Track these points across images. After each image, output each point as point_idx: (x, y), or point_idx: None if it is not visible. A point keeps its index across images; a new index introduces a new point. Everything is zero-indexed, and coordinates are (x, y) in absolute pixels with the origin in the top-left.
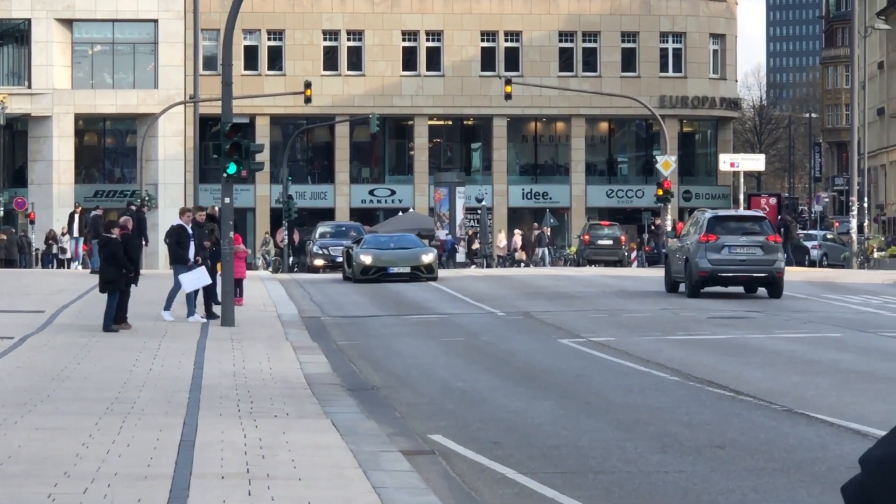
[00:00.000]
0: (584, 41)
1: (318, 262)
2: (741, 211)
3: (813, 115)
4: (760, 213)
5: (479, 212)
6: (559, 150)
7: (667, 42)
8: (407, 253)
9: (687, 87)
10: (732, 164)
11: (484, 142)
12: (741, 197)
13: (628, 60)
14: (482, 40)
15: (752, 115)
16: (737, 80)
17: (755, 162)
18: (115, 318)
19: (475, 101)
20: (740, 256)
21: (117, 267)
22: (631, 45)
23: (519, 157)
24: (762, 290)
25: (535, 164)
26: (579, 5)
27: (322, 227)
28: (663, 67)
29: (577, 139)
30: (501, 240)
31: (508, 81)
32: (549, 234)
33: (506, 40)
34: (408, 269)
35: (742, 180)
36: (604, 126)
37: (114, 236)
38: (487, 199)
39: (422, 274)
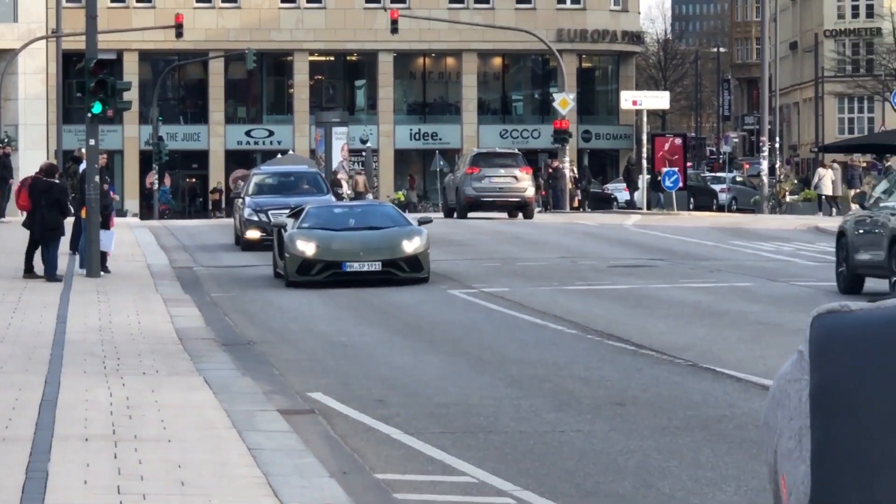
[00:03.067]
0: None
1: (252, 233)
2: (499, 149)
3: (721, 49)
4: (515, 151)
5: (363, 154)
6: (449, 87)
7: None
8: (376, 237)
9: (586, 19)
10: (635, 103)
11: (369, 79)
12: (644, 137)
13: None
14: None
15: (656, 50)
16: (639, 13)
17: (659, 100)
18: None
19: (359, 35)
20: (498, 185)
21: (62, 212)
22: None
23: (406, 96)
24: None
25: (424, 103)
26: None
27: (258, 176)
28: None
29: (469, 76)
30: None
31: (395, 17)
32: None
33: None
34: (377, 265)
35: (645, 119)
36: (497, 62)
37: (57, 181)
38: (373, 140)
39: (401, 272)
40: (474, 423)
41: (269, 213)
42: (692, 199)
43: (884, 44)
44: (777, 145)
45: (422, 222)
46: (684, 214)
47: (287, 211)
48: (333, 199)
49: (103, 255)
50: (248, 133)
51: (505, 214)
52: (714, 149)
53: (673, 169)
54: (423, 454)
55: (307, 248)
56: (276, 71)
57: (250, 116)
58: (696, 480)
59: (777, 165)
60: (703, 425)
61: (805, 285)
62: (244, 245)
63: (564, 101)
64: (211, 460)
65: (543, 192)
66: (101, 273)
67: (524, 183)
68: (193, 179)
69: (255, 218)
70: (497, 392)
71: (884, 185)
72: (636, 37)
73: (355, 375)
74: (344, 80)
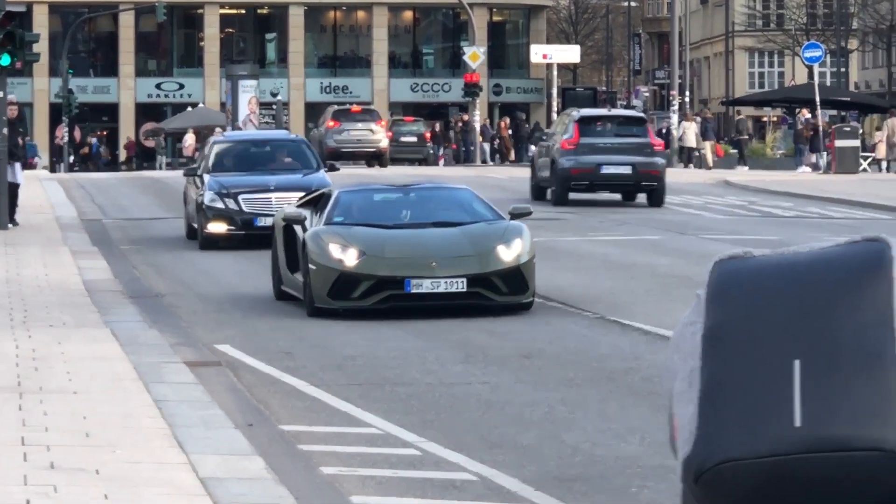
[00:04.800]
0: None
1: (217, 226)
2: (356, 105)
3: (632, 3)
4: (372, 107)
5: (274, 107)
6: (360, 41)
7: None
8: (455, 238)
9: None
10: (545, 56)
11: (279, 32)
12: (554, 91)
13: None
14: None
15: (567, 4)
16: None
17: (569, 53)
18: None
19: None
20: (356, 138)
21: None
22: None
23: (317, 49)
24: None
25: (335, 56)
26: None
27: (220, 145)
28: None
29: (380, 29)
30: None
31: None
32: None
33: None
34: (461, 284)
35: (556, 73)
36: (408, 15)
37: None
38: (283, 93)
39: (497, 294)
40: (380, 376)
41: (240, 197)
42: None
43: (793, 4)
44: (687, 99)
45: (517, 215)
46: None
47: (265, 198)
48: (328, 177)
49: (12, 208)
50: (158, 86)
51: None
52: (625, 103)
53: None
54: (329, 406)
55: (346, 256)
56: (187, 24)
57: (160, 69)
58: (601, 432)
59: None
60: (610, 377)
61: (714, 238)
62: (204, 241)
63: (475, 55)
64: (116, 412)
65: (454, 146)
66: (10, 226)
67: (379, 135)
68: (104, 133)
69: (220, 204)
70: (404, 344)
71: (558, 125)
72: None
73: (263, 327)
74: (254, 33)
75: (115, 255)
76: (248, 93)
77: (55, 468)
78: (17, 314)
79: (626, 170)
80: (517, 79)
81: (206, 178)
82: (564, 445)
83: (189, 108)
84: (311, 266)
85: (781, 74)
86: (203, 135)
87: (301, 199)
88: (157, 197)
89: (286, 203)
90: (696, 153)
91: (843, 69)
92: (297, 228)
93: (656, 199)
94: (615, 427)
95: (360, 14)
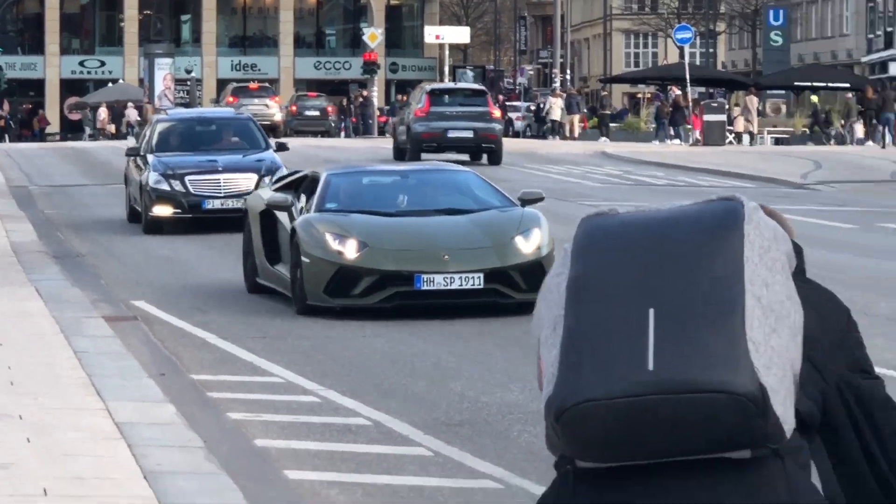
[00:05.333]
0: None
1: (163, 209)
2: (252, 83)
3: None
4: (267, 84)
5: (188, 83)
6: (268, 22)
7: None
8: (467, 227)
9: None
10: (438, 37)
11: (193, 14)
12: (446, 69)
13: None
14: None
15: None
16: None
17: (460, 34)
18: None
19: None
20: (252, 112)
21: None
22: None
23: (228, 30)
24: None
25: (244, 37)
26: None
27: (164, 123)
28: None
29: (286, 12)
30: None
31: None
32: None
33: None
34: (478, 279)
35: (448, 53)
36: (312, 1)
37: None
38: (196, 70)
39: (516, 292)
40: (284, 329)
41: (187, 178)
42: None
43: None
44: (568, 77)
45: (528, 200)
46: None
47: (213, 180)
48: (278, 157)
49: None
50: (81, 63)
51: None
52: (511, 80)
53: None
54: (236, 356)
55: (346, 247)
56: (108, 6)
57: (84, 48)
58: (486, 381)
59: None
60: (495, 331)
61: (593, 205)
62: (149, 225)
63: (373, 35)
64: (39, 363)
65: (354, 119)
66: None
67: (273, 110)
68: (30, 106)
69: (166, 186)
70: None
71: (413, 97)
72: None
73: (176, 286)
74: (170, 15)
75: (40, 219)
76: (164, 70)
77: None
78: None
79: (469, 134)
80: (412, 58)
81: (150, 158)
82: (452, 393)
83: (110, 84)
84: (303, 259)
85: (655, 55)
86: (117, 109)
87: (276, 181)
88: (77, 163)
89: (235, 185)
90: (559, 126)
91: (711, 50)
92: (282, 216)
93: (495, 158)
94: (499, 377)
95: None
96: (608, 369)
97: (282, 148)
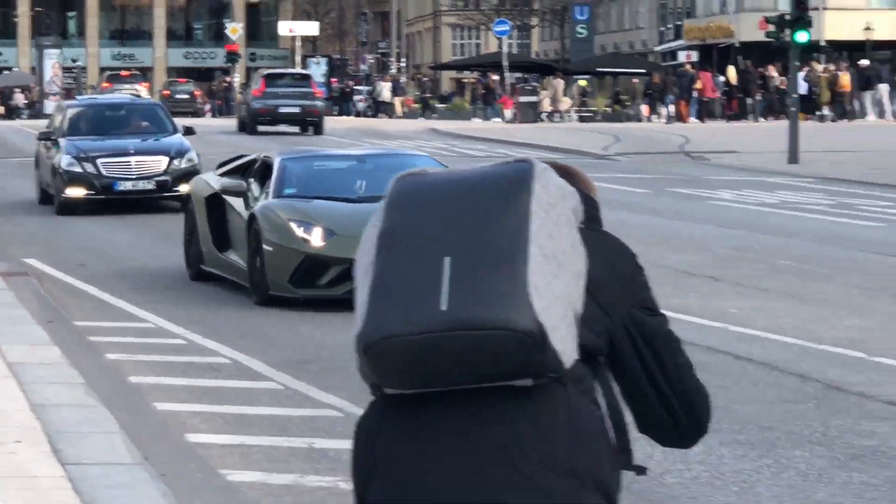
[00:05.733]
0: None
1: (75, 191)
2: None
3: None
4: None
5: (74, 71)
6: (143, 17)
7: None
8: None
9: None
10: (290, 30)
11: (79, 10)
12: (298, 58)
13: None
14: None
15: None
16: None
17: (310, 28)
18: None
19: None
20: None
21: None
22: None
23: (108, 24)
24: None
25: (123, 30)
26: None
27: (74, 109)
28: None
29: (159, 9)
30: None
31: None
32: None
33: None
34: None
35: (299, 44)
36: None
37: None
38: (82, 59)
39: None
40: (156, 282)
41: (99, 161)
42: (336, 108)
43: None
44: (403, 65)
45: None
46: (331, 119)
47: (134, 161)
48: (186, 140)
49: None
50: None
51: None
52: (355, 68)
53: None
54: (115, 306)
55: (311, 235)
56: (4, 3)
57: None
58: (330, 323)
59: (403, 81)
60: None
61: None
62: (61, 206)
63: (234, 29)
64: None
65: (219, 102)
66: None
67: (142, 93)
68: None
69: (78, 168)
70: (175, 259)
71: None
72: None
73: (63, 245)
74: (59, 10)
75: None
76: (52, 59)
77: None
78: None
79: (296, 110)
80: (269, 49)
81: (63, 142)
82: (299, 335)
83: (5, 72)
84: (265, 247)
85: (478, 45)
86: (6, 93)
87: (219, 165)
88: None
89: (146, 167)
90: (388, 107)
91: (526, 41)
92: (235, 201)
93: (318, 129)
94: (340, 318)
95: None
96: (408, 310)
97: (189, 132)
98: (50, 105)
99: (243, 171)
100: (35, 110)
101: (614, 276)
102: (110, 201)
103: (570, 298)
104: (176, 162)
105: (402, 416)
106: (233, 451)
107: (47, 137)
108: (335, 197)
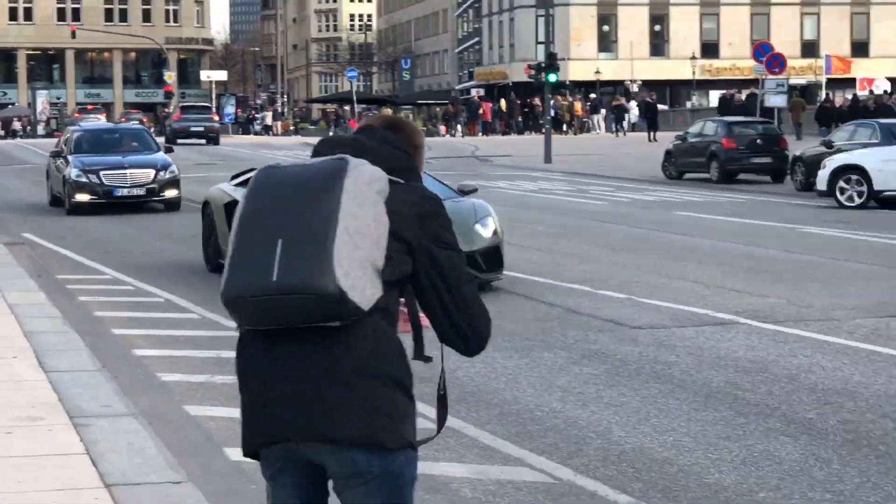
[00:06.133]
0: None
1: (82, 196)
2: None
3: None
4: (99, 106)
5: (57, 105)
6: (106, 67)
7: None
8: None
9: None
10: (209, 77)
11: (61, 63)
12: (213, 96)
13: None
14: None
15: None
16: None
17: (222, 75)
18: None
19: None
20: None
21: None
22: None
23: (82, 72)
24: None
25: (92, 77)
26: None
27: (77, 133)
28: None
29: (117, 62)
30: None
31: None
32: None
33: None
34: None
35: (214, 86)
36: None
37: None
38: (63, 97)
39: (478, 273)
40: (120, 248)
41: (101, 173)
42: (240, 129)
43: (343, 47)
44: (285, 100)
45: (467, 192)
46: (236, 137)
47: (129, 172)
48: (168, 157)
49: None
50: None
51: None
52: (254, 102)
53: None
54: (87, 265)
55: None
56: (8, 57)
57: None
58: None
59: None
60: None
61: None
62: (72, 208)
63: (170, 76)
64: None
65: (159, 125)
66: None
67: (102, 121)
68: None
69: (84, 179)
70: (132, 231)
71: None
72: (208, 41)
73: (51, 224)
74: (47, 63)
75: None
76: (42, 97)
77: None
78: None
79: (201, 129)
80: (194, 89)
81: (71, 158)
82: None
83: (9, 106)
84: None
85: (337, 86)
86: (7, 120)
87: (233, 177)
88: None
89: (138, 177)
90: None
91: (368, 82)
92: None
93: (216, 142)
94: None
95: (106, 55)
96: (251, 278)
97: (168, 150)
98: (40, 128)
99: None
100: (28, 133)
101: (415, 217)
102: (110, 204)
103: (371, 259)
104: (161, 173)
105: (255, 344)
106: (167, 360)
107: (57, 155)
108: None
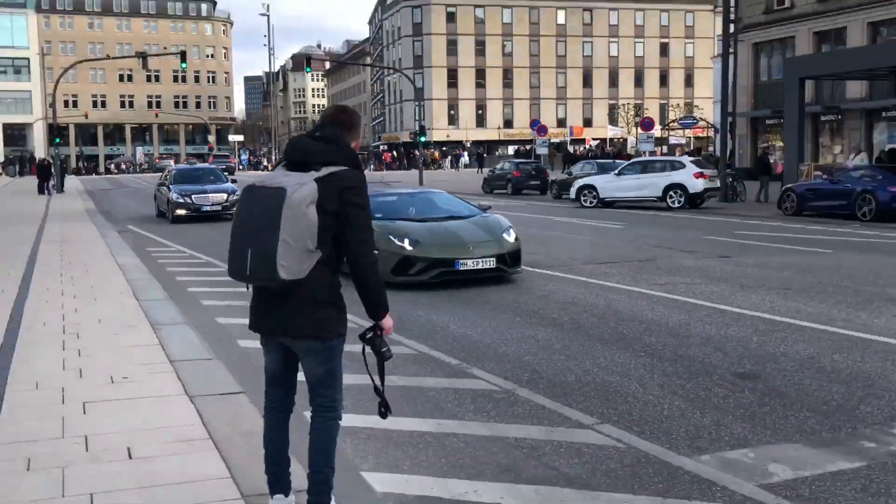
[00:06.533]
0: None
1: (181, 211)
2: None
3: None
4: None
5: (148, 156)
6: (171, 133)
7: None
8: (476, 228)
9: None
10: (231, 138)
11: (149, 133)
12: (236, 148)
13: None
14: None
15: None
16: None
17: (239, 137)
18: None
19: None
20: None
21: None
22: None
23: (161, 137)
24: None
25: (167, 139)
26: None
27: (175, 171)
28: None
29: (181, 132)
30: None
31: None
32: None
33: None
34: (491, 262)
35: (237, 143)
36: (191, 127)
37: None
38: (152, 151)
39: (508, 268)
40: (210, 246)
41: (193, 196)
42: (252, 168)
43: (309, 121)
44: (276, 152)
45: (485, 209)
46: (246, 172)
47: (211, 196)
48: (235, 185)
49: None
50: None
51: None
52: (259, 152)
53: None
54: (172, 246)
55: (405, 243)
56: (119, 128)
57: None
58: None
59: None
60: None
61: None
62: (174, 219)
63: (212, 143)
64: (85, 249)
65: None
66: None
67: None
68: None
69: (182, 200)
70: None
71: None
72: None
73: (157, 228)
74: (141, 131)
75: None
76: (140, 150)
77: None
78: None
79: (224, 166)
80: (224, 144)
81: (172, 186)
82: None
83: (119, 156)
84: (380, 251)
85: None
86: (117, 163)
87: None
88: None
89: (216, 199)
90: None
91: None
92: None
93: (230, 173)
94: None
95: None
96: (236, 269)
97: (233, 181)
98: (138, 168)
99: None
100: (129, 171)
101: (337, 193)
102: (199, 216)
103: (304, 248)
104: (231, 196)
105: (256, 290)
106: (213, 294)
107: (162, 184)
108: (403, 218)
